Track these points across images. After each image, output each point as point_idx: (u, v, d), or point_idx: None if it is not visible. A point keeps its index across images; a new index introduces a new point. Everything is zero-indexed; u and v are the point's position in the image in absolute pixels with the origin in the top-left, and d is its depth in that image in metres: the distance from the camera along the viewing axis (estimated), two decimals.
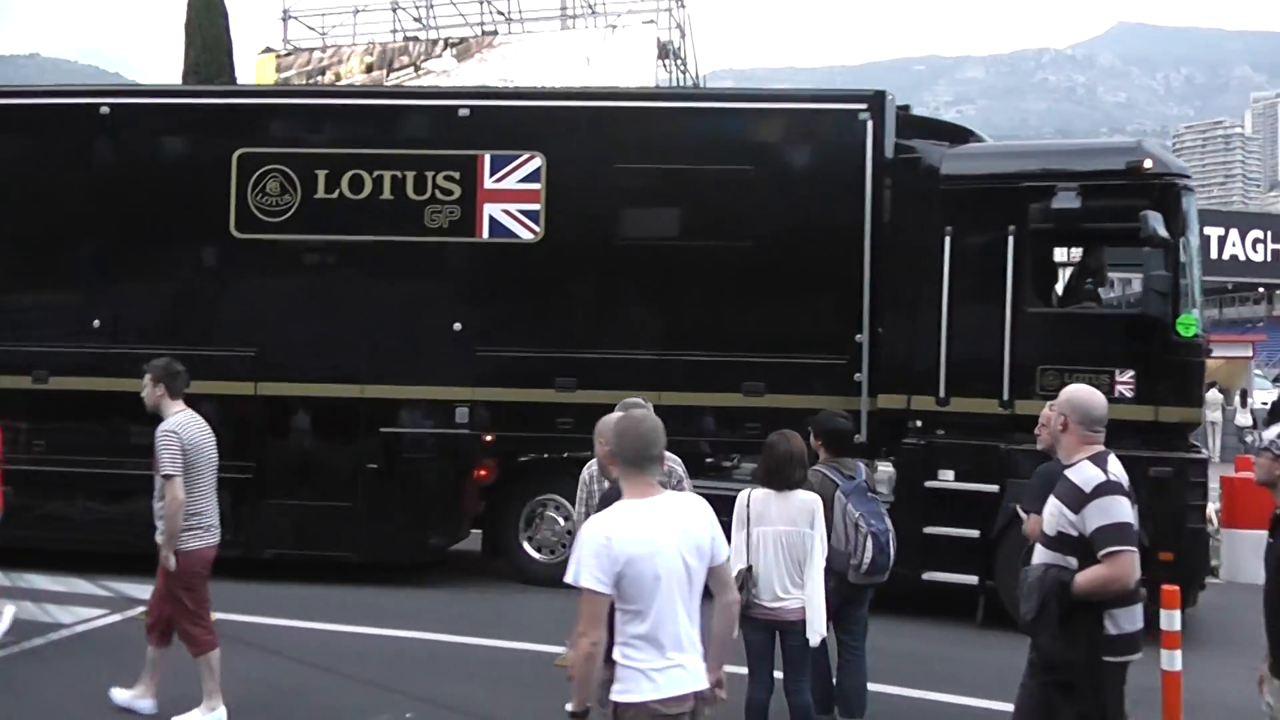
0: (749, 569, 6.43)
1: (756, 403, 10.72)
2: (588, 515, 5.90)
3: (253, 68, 34.39)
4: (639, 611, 4.17)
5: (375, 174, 11.11)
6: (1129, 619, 5.06)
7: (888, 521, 7.09)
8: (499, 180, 11.05)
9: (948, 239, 10.15)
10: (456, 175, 11.06)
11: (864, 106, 10.85)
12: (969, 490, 10.02)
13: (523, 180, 11.04)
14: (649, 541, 4.16)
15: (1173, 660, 6.43)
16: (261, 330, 11.33)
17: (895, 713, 7.65)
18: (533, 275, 11.13)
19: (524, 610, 10.44)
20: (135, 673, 7.20)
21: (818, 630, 6.43)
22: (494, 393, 11.08)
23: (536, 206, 11.02)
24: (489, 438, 11.20)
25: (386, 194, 11.12)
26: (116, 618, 9.84)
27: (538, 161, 11.01)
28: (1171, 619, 6.60)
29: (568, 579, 4.18)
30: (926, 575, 9.89)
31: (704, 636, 4.34)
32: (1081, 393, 5.17)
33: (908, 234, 10.58)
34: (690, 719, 4.28)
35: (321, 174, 11.19)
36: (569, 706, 4.20)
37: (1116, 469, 4.99)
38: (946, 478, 10.08)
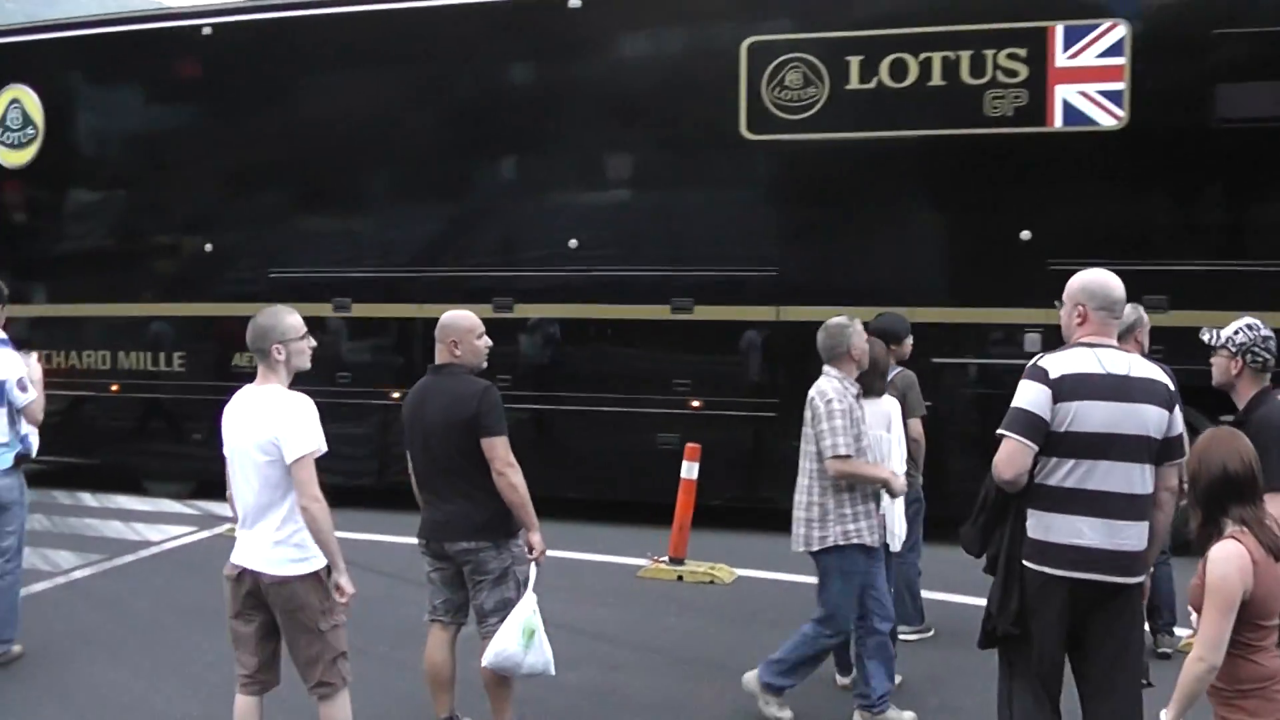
0: None
1: None
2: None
3: None
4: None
5: (922, 57, 9.25)
6: (1068, 529, 4.17)
7: None
8: (1074, 56, 9.13)
9: None
10: (1022, 53, 9.16)
11: None
12: None
13: (1103, 55, 9.13)
14: (229, 425, 4.71)
15: None
16: (782, 247, 9.60)
17: None
18: (1115, 170, 9.22)
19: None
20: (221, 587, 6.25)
21: (897, 535, 6.11)
22: None
23: (1120, 86, 9.09)
24: None
25: (936, 79, 9.26)
26: (204, 535, 10.02)
27: (1121, 31, 9.10)
28: None
29: None
30: None
31: None
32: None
33: None
34: (243, 588, 4.66)
35: (855, 60, 9.33)
36: None
37: (1044, 362, 4.36)
38: None
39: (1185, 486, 3.89)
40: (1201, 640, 3.54)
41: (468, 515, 5.18)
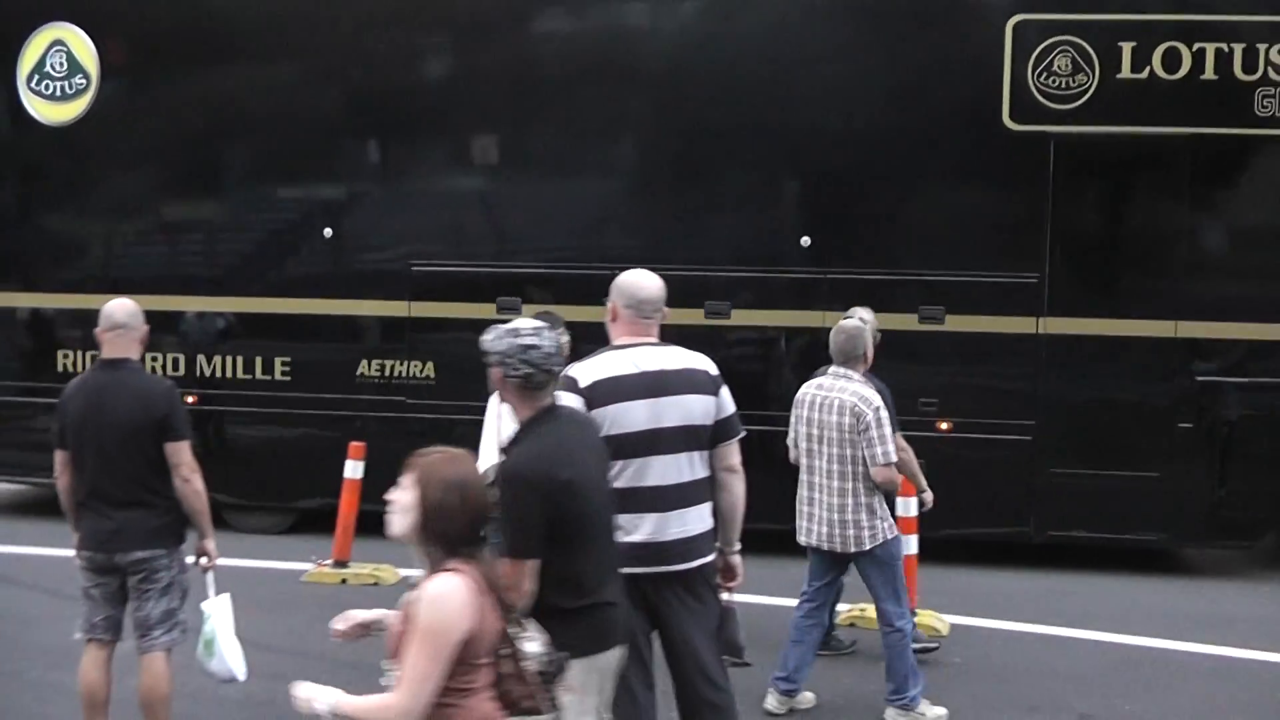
0: None
1: None
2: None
3: None
4: None
5: (1196, 47, 8.60)
6: (627, 527, 4.13)
7: None
8: None
9: None
10: None
11: None
12: None
13: None
14: None
15: (908, 544, 6.85)
16: (1042, 252, 8.74)
17: None
18: None
19: None
20: None
21: None
22: None
23: None
24: None
25: (1208, 73, 8.64)
26: None
27: None
28: (908, 506, 6.93)
29: None
30: None
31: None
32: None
33: None
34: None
35: (1127, 47, 8.61)
36: None
37: (574, 371, 4.24)
38: None
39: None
40: (409, 689, 3.02)
41: (142, 522, 5.07)
